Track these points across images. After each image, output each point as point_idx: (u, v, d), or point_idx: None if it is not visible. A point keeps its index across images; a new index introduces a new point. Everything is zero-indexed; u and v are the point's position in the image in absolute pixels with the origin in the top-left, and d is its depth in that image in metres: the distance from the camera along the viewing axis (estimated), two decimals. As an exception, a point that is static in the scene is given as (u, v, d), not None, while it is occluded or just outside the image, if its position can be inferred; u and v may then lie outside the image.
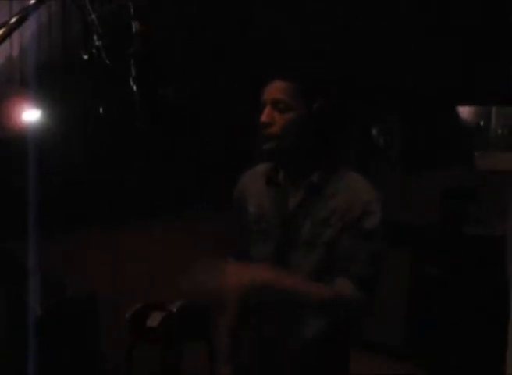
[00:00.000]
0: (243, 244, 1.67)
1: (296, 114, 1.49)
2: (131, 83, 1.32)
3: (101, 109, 1.38)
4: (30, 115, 2.87)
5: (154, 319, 2.77)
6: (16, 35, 2.77)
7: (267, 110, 1.50)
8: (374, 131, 4.20)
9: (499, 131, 3.81)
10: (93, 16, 1.29)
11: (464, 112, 3.91)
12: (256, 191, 1.65)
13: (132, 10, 1.34)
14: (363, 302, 1.45)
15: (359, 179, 1.55)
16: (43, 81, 2.91)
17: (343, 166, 1.58)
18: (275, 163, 1.61)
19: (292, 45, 3.59)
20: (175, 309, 2.77)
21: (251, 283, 1.36)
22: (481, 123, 3.86)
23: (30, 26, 2.83)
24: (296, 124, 1.49)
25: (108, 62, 1.28)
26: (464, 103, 3.86)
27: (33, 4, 1.16)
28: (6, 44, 2.75)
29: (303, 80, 1.51)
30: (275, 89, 1.51)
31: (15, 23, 1.13)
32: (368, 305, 1.47)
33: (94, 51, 1.28)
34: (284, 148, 1.51)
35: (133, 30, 1.33)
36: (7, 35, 1.11)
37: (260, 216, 1.61)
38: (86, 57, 1.30)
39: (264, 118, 1.50)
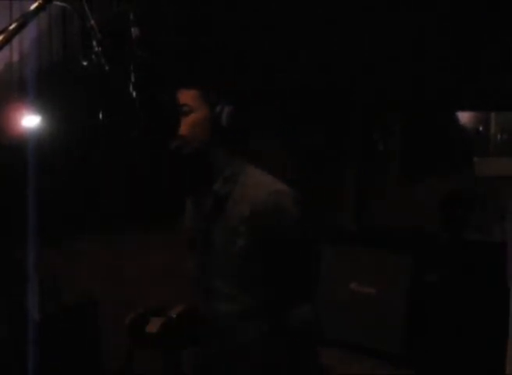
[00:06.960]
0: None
1: (197, 115, 1.57)
2: (130, 89, 1.32)
3: (100, 115, 1.38)
4: (30, 121, 2.87)
5: (153, 325, 2.75)
6: (15, 41, 2.77)
7: None
8: (374, 137, 4.20)
9: (499, 136, 3.81)
10: (92, 22, 1.29)
11: (464, 117, 3.91)
12: (189, 204, 1.76)
13: (131, 16, 1.34)
14: None
15: (265, 181, 1.58)
16: (42, 87, 2.91)
17: (250, 171, 1.61)
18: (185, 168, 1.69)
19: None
20: (174, 315, 2.75)
21: None
22: (481, 129, 3.86)
23: (30, 32, 2.84)
24: (198, 124, 1.56)
25: (107, 68, 1.28)
26: (463, 108, 3.86)
27: (33, 10, 1.16)
28: (6, 50, 2.76)
29: (204, 86, 1.59)
30: (181, 95, 1.60)
31: (14, 28, 1.13)
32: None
33: (93, 57, 1.28)
34: (188, 146, 1.56)
35: (133, 36, 1.33)
36: (7, 41, 1.11)
37: (190, 228, 1.71)
38: (85, 63, 1.30)
39: None
